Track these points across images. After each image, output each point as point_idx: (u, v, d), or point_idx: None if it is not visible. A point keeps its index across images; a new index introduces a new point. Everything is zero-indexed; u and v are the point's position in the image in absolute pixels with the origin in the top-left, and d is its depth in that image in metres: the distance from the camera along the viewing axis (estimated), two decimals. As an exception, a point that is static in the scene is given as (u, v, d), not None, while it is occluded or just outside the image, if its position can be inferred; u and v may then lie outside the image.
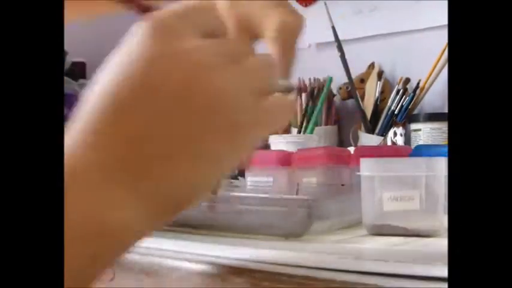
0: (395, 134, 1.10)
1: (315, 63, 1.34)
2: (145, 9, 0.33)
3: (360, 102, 1.19)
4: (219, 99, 0.30)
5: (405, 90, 1.15)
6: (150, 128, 0.29)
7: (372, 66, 1.24)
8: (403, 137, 1.09)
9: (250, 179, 0.75)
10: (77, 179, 0.28)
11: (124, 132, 0.29)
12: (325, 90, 1.21)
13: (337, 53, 1.19)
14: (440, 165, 0.48)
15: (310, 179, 0.68)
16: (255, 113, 0.32)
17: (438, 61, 1.09)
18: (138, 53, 0.30)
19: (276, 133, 0.93)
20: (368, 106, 1.19)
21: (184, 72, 0.30)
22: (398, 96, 1.15)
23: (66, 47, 1.39)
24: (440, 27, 1.10)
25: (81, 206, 0.28)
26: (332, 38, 1.20)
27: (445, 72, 1.10)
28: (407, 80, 1.16)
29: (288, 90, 0.36)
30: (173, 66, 0.30)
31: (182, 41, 0.30)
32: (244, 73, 0.31)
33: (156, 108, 0.29)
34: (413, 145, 1.03)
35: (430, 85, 1.12)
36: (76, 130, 0.30)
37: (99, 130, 0.29)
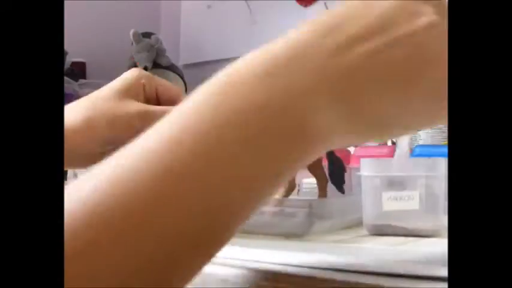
0: (395, 133, 1.09)
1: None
2: None
3: (360, 102, 1.18)
4: (438, 62, 0.32)
5: (405, 90, 1.15)
6: (371, 59, 0.30)
7: (372, 66, 1.24)
8: (403, 137, 1.09)
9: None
10: (280, 77, 0.29)
11: (348, 54, 0.30)
12: (325, 90, 1.21)
13: (337, 53, 1.19)
14: (440, 166, 0.48)
15: (311, 179, 0.69)
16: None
17: (438, 61, 1.09)
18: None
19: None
20: (368, 106, 1.18)
21: (421, 26, 0.32)
22: (398, 96, 1.15)
23: (66, 47, 1.39)
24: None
25: (282, 106, 0.28)
26: (332, 38, 1.20)
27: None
28: (408, 80, 1.16)
29: None
30: (414, 20, 0.32)
31: (425, 4, 0.33)
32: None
33: (383, 42, 0.31)
34: (413, 145, 1.03)
35: (430, 85, 1.12)
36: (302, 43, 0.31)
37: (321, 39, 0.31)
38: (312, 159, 0.31)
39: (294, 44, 0.31)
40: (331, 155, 0.53)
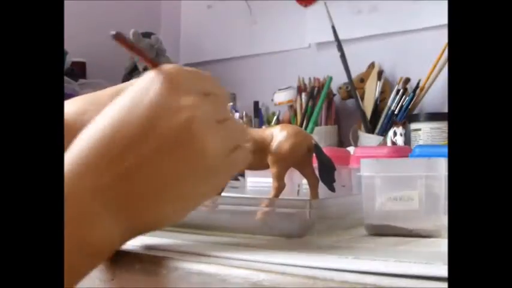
0: (395, 133, 1.10)
1: (315, 63, 1.34)
2: (153, 63, 0.38)
3: (360, 102, 1.19)
4: (204, 151, 0.36)
5: (405, 90, 1.15)
6: (142, 168, 0.35)
7: (371, 66, 1.24)
8: (403, 136, 1.09)
9: (250, 179, 0.75)
10: (68, 198, 0.31)
11: (118, 167, 0.34)
12: (325, 90, 1.21)
13: (337, 53, 1.19)
14: (440, 166, 0.48)
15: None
16: (228, 162, 0.38)
17: (438, 61, 1.09)
18: (145, 98, 0.36)
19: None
20: (368, 106, 1.19)
21: (181, 124, 0.35)
22: (398, 96, 1.15)
23: (66, 47, 1.39)
24: (440, 27, 1.10)
25: (66, 222, 0.31)
26: (332, 38, 1.20)
27: (445, 72, 1.10)
28: (407, 80, 1.16)
29: None
30: (174, 117, 0.35)
31: (186, 97, 0.36)
32: (225, 133, 0.38)
33: (150, 150, 0.35)
34: (413, 145, 1.03)
35: (430, 85, 1.12)
36: (75, 157, 0.34)
37: (96, 161, 0.34)
38: (99, 263, 0.36)
39: (79, 152, 0.34)
40: (320, 155, 0.53)
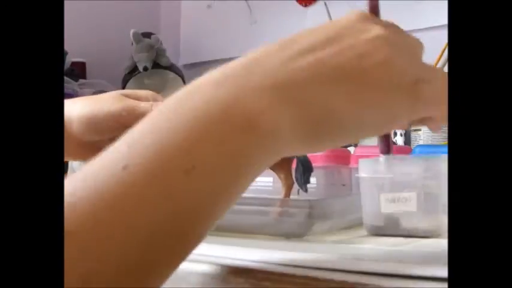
0: (395, 133, 1.10)
1: (315, 63, 1.34)
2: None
3: (360, 102, 1.18)
4: (388, 66, 0.34)
5: (405, 90, 1.15)
6: (320, 69, 0.33)
7: (372, 66, 1.24)
8: (403, 137, 1.09)
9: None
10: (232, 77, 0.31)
11: (295, 64, 0.33)
12: (325, 90, 1.21)
13: (337, 53, 1.19)
14: (440, 166, 0.48)
15: (311, 180, 0.69)
16: (412, 90, 0.35)
17: (438, 61, 1.09)
18: (335, 22, 0.37)
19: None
20: (368, 106, 1.18)
21: (368, 39, 0.35)
22: (398, 96, 1.15)
23: (66, 47, 1.39)
24: (440, 27, 1.10)
25: (231, 100, 0.30)
26: (332, 38, 1.20)
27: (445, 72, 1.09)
28: (408, 80, 1.16)
29: None
30: (362, 34, 0.35)
31: (378, 25, 0.36)
32: (414, 59, 0.37)
33: (329, 55, 0.33)
34: (413, 145, 1.03)
35: (430, 85, 1.12)
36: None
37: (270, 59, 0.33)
38: (269, 158, 0.32)
39: (250, 56, 0.34)
40: (299, 156, 0.54)
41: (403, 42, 0.36)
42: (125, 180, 0.28)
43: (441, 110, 0.36)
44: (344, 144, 0.40)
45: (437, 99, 0.36)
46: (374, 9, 0.41)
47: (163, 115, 0.31)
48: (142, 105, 0.56)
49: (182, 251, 0.29)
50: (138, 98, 0.58)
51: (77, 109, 0.56)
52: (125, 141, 0.30)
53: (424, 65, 0.38)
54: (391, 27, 0.37)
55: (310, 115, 0.32)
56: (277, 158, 0.33)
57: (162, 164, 0.28)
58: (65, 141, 0.52)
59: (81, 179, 0.28)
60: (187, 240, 0.29)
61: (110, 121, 0.55)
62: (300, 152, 0.36)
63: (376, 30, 0.35)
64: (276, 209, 0.49)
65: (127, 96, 0.58)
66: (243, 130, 0.30)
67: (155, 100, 0.59)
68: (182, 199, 0.28)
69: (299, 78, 0.32)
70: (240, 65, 0.33)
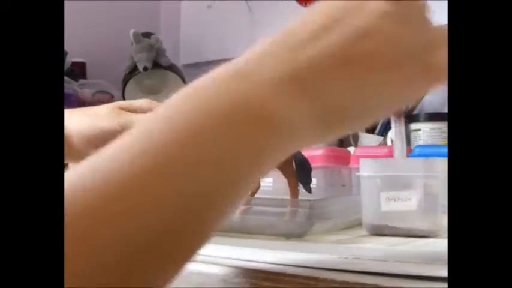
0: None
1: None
2: None
3: (360, 102, 1.18)
4: (396, 35, 0.33)
5: (405, 90, 1.15)
6: (329, 50, 0.32)
7: (372, 66, 1.24)
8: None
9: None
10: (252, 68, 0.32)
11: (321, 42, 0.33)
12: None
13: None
14: (439, 166, 0.48)
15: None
16: (422, 59, 0.34)
17: (438, 61, 1.09)
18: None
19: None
20: (368, 106, 1.18)
21: (372, 11, 0.33)
22: (398, 96, 1.15)
23: (66, 47, 1.39)
24: (440, 27, 1.10)
25: (249, 94, 0.30)
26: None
27: (445, 72, 1.09)
28: (408, 80, 1.16)
29: None
30: (365, 7, 0.34)
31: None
32: (421, 28, 0.35)
33: (337, 36, 0.33)
34: (413, 145, 1.03)
35: (430, 85, 1.12)
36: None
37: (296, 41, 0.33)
38: (281, 151, 0.32)
39: (259, 46, 0.34)
40: (297, 154, 0.53)
41: (406, 11, 0.35)
42: (135, 174, 0.27)
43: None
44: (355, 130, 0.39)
45: (446, 61, 0.35)
46: None
47: (176, 107, 0.30)
48: (137, 118, 0.58)
49: (190, 250, 0.29)
50: (133, 110, 0.59)
51: (74, 123, 0.57)
52: (136, 135, 0.29)
53: (430, 30, 0.36)
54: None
55: (324, 104, 0.32)
56: (290, 151, 0.33)
57: (172, 158, 0.28)
58: (65, 153, 0.53)
59: (89, 168, 0.28)
60: (197, 237, 0.29)
61: (106, 138, 0.56)
62: (312, 143, 0.35)
63: (379, 6, 0.34)
64: (288, 210, 0.49)
65: (122, 108, 0.59)
66: (258, 124, 0.30)
67: (150, 109, 0.59)
68: (192, 194, 0.28)
69: (309, 66, 0.32)
70: (249, 56, 0.33)
